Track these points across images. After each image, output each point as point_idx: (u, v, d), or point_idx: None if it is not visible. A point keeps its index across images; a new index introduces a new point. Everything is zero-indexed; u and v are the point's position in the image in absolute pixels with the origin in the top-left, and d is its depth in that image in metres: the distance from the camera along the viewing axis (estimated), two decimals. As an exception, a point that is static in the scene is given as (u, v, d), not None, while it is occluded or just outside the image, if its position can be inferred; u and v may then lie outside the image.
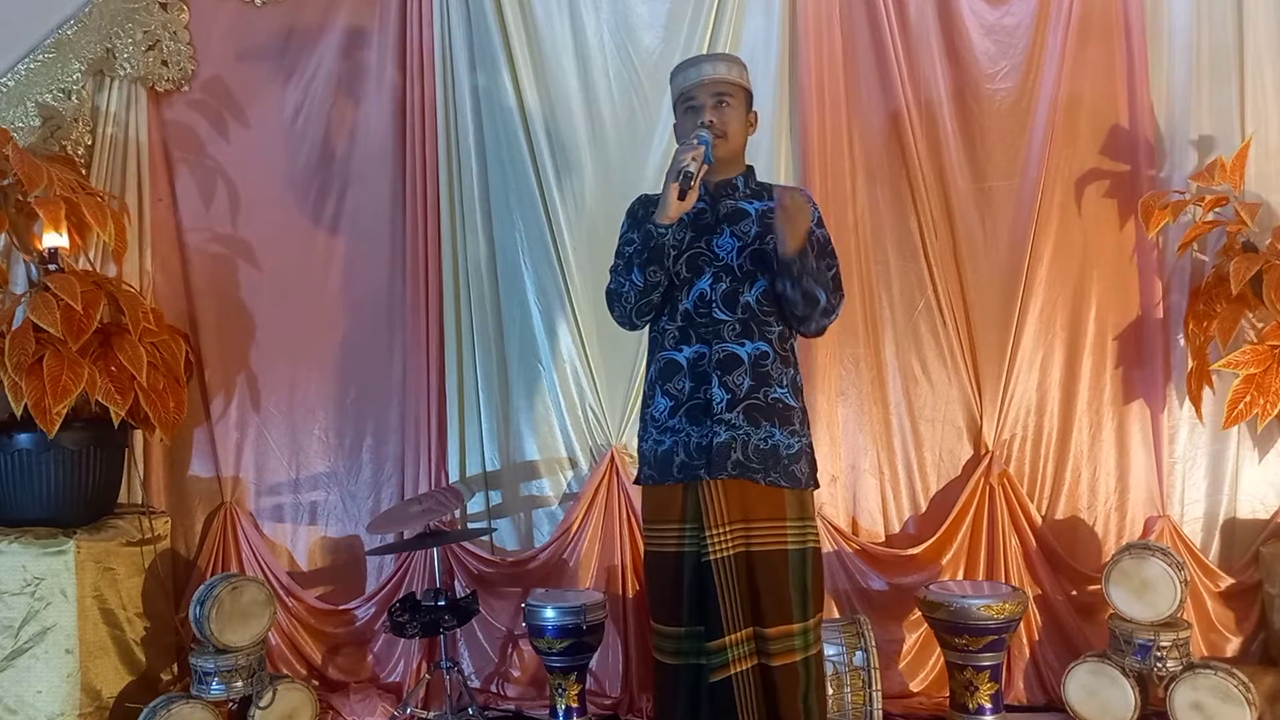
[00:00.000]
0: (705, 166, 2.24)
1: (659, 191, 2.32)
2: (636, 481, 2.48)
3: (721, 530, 2.28)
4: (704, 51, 3.44)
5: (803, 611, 2.30)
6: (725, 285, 2.34)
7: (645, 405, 2.45)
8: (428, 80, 3.53)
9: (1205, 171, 3.25)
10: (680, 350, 2.36)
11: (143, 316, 3.14)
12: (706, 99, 2.38)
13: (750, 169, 2.51)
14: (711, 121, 2.34)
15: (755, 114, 2.50)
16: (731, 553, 2.27)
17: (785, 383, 2.35)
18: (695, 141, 2.24)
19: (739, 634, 2.26)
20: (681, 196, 2.19)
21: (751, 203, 2.43)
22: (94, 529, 3.09)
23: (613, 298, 2.41)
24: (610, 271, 2.45)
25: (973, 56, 3.44)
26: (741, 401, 2.30)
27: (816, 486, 2.42)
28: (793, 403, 2.36)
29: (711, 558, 2.26)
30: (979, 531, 3.37)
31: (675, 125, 2.52)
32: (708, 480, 2.28)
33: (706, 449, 2.28)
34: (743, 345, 2.32)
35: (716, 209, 2.41)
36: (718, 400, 2.29)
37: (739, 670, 2.26)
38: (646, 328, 2.48)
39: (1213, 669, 2.86)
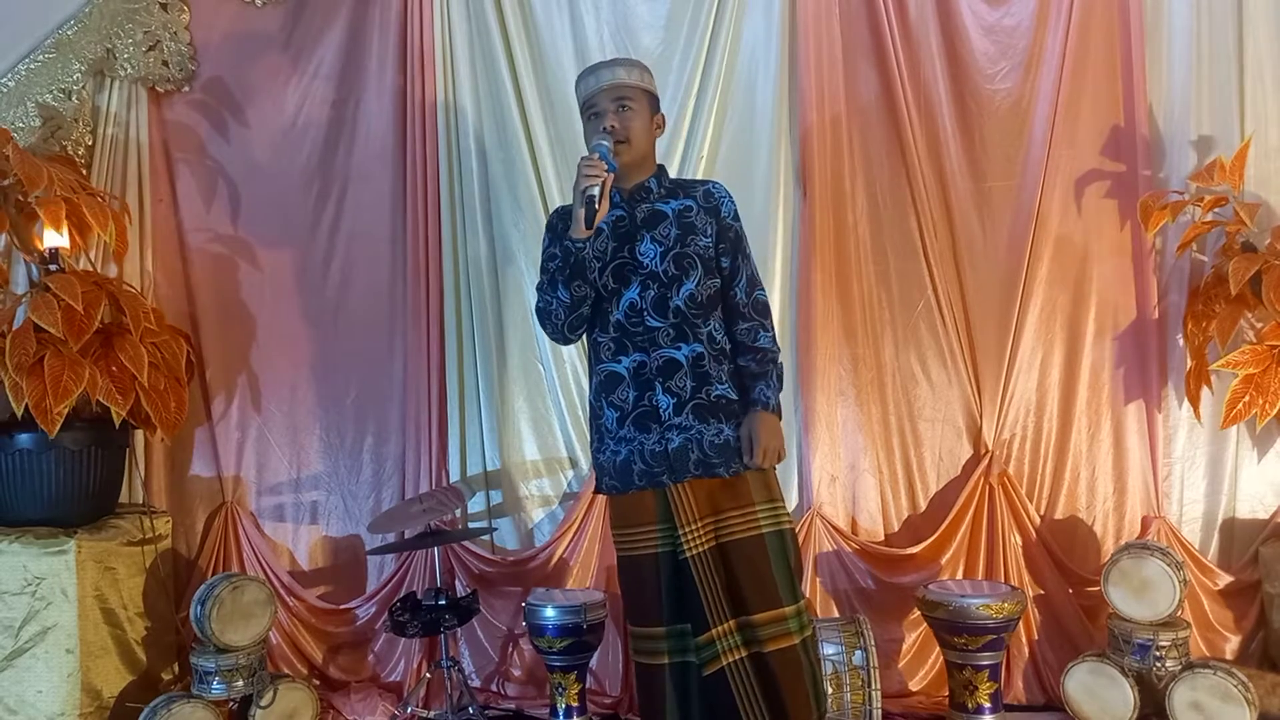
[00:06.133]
0: (610, 176, 2.25)
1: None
2: (598, 491, 2.48)
3: (694, 527, 2.31)
4: (704, 53, 3.46)
5: (791, 594, 2.32)
6: (654, 292, 2.35)
7: (595, 418, 2.45)
8: (428, 80, 3.53)
9: (1204, 172, 3.25)
10: (619, 361, 2.37)
11: (144, 317, 3.14)
12: (607, 105, 2.38)
13: (662, 168, 2.50)
14: (613, 127, 2.34)
15: (661, 117, 2.50)
16: (706, 547, 2.30)
17: (724, 378, 2.38)
18: (595, 154, 2.24)
19: (725, 626, 2.28)
20: (589, 220, 2.23)
21: (668, 203, 2.43)
22: (95, 529, 3.09)
23: (543, 316, 2.42)
24: (537, 289, 2.46)
25: (972, 57, 3.44)
26: (688, 403, 2.33)
27: (773, 467, 2.42)
28: (734, 396, 2.38)
29: (688, 554, 2.29)
30: (978, 531, 3.37)
31: (585, 135, 2.49)
32: (672, 483, 2.32)
33: (664, 456, 2.31)
34: (679, 349, 2.34)
35: (634, 214, 2.41)
36: (664, 407, 2.32)
37: (731, 660, 2.27)
38: (582, 340, 2.52)
39: (1212, 669, 2.87)
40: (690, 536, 2.30)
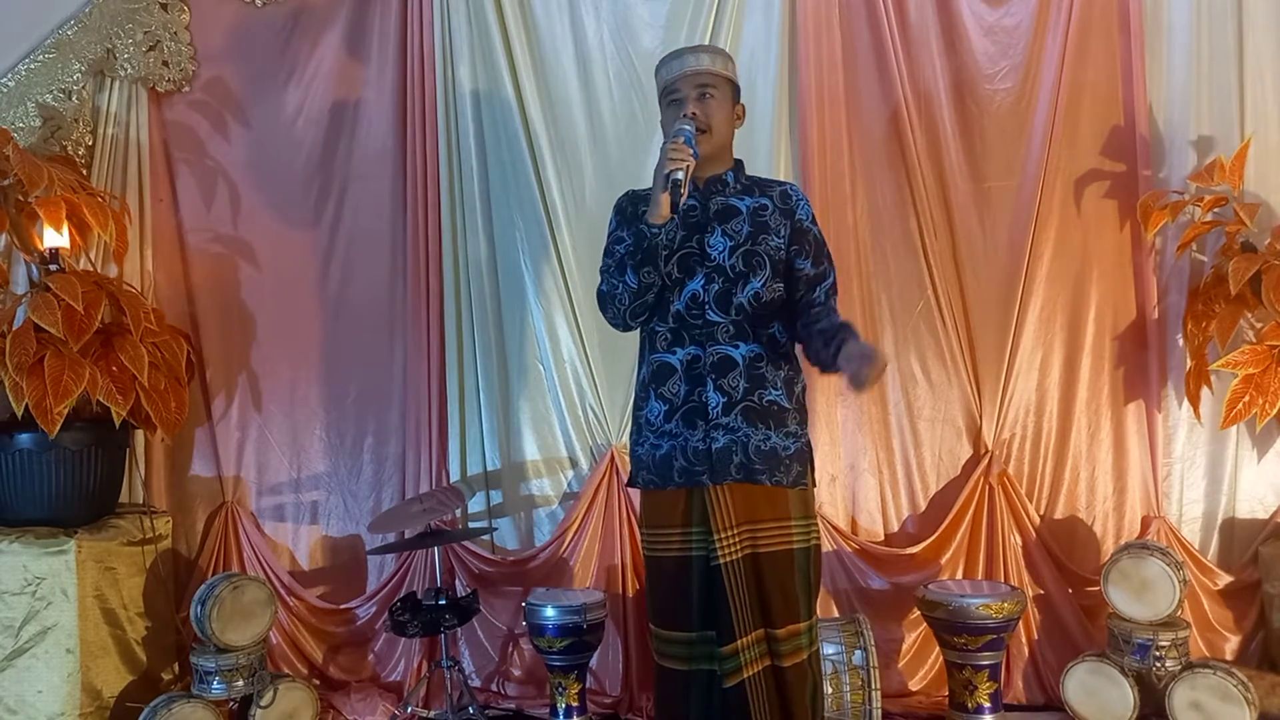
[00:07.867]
0: (694, 162, 2.19)
1: (647, 187, 2.29)
2: (632, 484, 2.44)
3: (730, 533, 2.25)
4: (703, 52, 3.46)
5: (808, 610, 2.30)
6: (718, 286, 2.29)
7: (637, 409, 2.41)
8: (428, 80, 3.53)
9: (1204, 172, 3.25)
10: (673, 353, 2.31)
11: (144, 316, 3.14)
12: (689, 91, 2.33)
13: (739, 163, 2.45)
14: (694, 114, 2.29)
15: (742, 107, 2.45)
16: (740, 555, 2.25)
17: (779, 384, 2.31)
18: (680, 139, 2.18)
19: (750, 637, 2.24)
20: (674, 205, 2.18)
21: (743, 199, 2.38)
22: (95, 528, 3.09)
23: (606, 299, 2.35)
24: (601, 272, 2.40)
25: (972, 57, 3.44)
26: (738, 404, 2.26)
27: (814, 485, 2.40)
28: (787, 404, 2.32)
29: (722, 561, 2.24)
30: (978, 531, 3.37)
31: (661, 121, 2.46)
32: (712, 484, 2.26)
33: (707, 455, 2.25)
34: (736, 347, 2.28)
35: (707, 206, 2.35)
36: (714, 404, 2.26)
37: (752, 673, 2.23)
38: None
39: (1212, 668, 2.87)
40: (725, 543, 2.24)
